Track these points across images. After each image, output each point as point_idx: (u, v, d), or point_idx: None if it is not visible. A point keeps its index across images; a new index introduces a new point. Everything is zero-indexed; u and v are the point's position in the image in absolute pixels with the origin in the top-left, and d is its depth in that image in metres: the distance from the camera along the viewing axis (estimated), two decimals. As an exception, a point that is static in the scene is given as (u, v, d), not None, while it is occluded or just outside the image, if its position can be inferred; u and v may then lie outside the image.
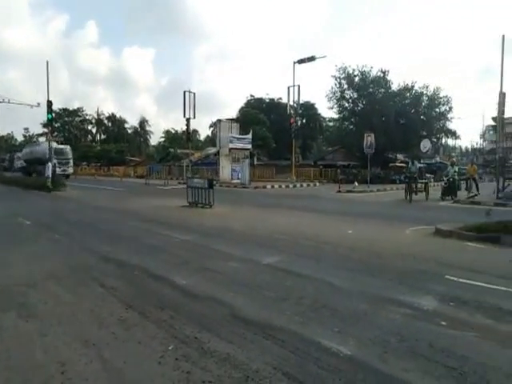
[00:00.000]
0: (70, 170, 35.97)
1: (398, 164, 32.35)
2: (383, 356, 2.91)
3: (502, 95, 17.88)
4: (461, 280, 4.74)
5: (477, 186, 17.11)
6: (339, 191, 20.69)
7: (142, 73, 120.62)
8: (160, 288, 4.52)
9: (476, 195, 16.20)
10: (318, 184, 29.26)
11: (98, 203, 14.79)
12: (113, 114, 70.67)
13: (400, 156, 39.69)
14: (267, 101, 49.47)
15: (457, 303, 3.96)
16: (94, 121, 70.83)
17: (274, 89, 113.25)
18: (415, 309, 3.83)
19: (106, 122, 70.68)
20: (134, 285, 4.65)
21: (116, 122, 70.31)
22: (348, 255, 6.18)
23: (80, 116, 69.89)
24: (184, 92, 27.83)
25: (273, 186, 25.44)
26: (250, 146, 30.85)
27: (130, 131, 71.51)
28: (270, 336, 3.23)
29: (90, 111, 70.95)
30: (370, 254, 6.18)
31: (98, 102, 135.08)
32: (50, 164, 22.42)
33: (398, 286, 4.56)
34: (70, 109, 68.29)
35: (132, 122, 72.90)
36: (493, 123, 19.96)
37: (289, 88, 28.82)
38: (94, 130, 71.88)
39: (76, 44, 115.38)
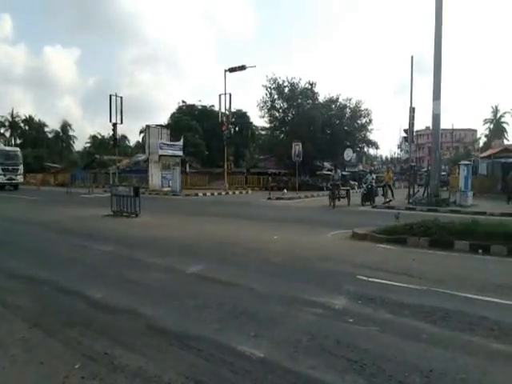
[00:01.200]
0: (19, 179, 29.13)
1: (325, 172, 34.13)
2: (294, 355, 3.04)
3: (412, 109, 19.93)
4: (370, 279, 5.14)
5: (392, 192, 18.68)
6: (269, 198, 21.22)
7: (65, 73, 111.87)
8: (71, 303, 4.24)
9: (391, 200, 17.70)
10: (250, 191, 29.69)
11: (8, 214, 13.44)
12: (30, 117, 64.80)
13: (327, 164, 41.92)
14: (199, 108, 49.15)
15: (364, 301, 4.28)
16: (7, 123, 64.28)
17: (206, 96, 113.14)
18: (327, 308, 4.06)
19: (22, 125, 64.53)
20: (42, 301, 4.31)
21: (34, 125, 64.53)
22: (271, 260, 6.35)
23: (-10, 118, 62.93)
24: (110, 96, 26.51)
25: (205, 194, 25.28)
26: (181, 153, 30.36)
27: (50, 136, 66.07)
28: (186, 345, 3.20)
29: (2, 112, 64.35)
30: (292, 258, 6.44)
31: (14, 104, 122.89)
32: None
33: (314, 288, 4.80)
34: (-22, 109, 61.27)
35: (53, 125, 67.29)
36: (405, 135, 21.99)
37: (220, 96, 29.07)
38: (7, 134, 65.15)
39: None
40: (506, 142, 55.37)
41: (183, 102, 50.39)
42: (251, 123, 50.85)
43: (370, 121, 38.58)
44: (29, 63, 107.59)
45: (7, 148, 31.49)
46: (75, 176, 34.03)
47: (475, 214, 12.15)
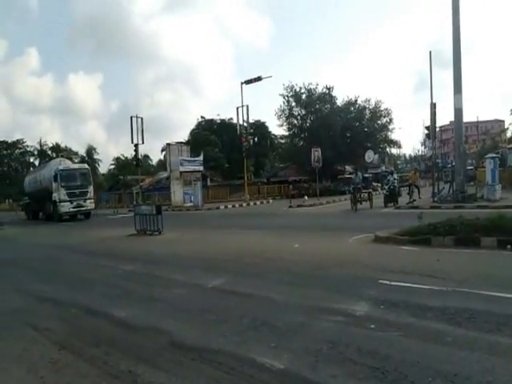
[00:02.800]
0: (90, 205, 22.22)
1: (346, 176, 33.75)
2: (314, 365, 3.02)
3: (433, 105, 19.50)
4: (392, 283, 5.03)
5: (418, 191, 18.25)
6: (290, 206, 21.16)
7: (89, 99, 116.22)
8: (97, 323, 4.37)
9: (415, 200, 17.29)
10: (271, 201, 29.71)
11: (38, 240, 14.01)
12: (57, 144, 67.61)
13: (348, 168, 41.46)
14: (218, 122, 49.86)
15: (386, 305, 4.20)
16: (36, 152, 67.25)
17: (224, 109, 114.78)
18: (348, 315, 4.01)
19: (49, 152, 67.34)
20: (70, 323, 4.46)
21: (61, 151, 67.19)
22: (292, 269, 6.33)
23: (20, 148, 66.11)
24: (131, 117, 27.38)
25: (226, 206, 25.47)
26: (201, 168, 30.81)
27: (76, 161, 68.60)
28: (207, 359, 3.23)
29: (32, 142, 67.43)
30: (313, 266, 6.38)
31: (42, 133, 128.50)
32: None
33: (334, 295, 4.75)
34: (9, 141, 64.51)
35: (79, 150, 69.76)
36: (427, 131, 21.55)
37: (238, 108, 29.44)
38: (36, 163, 68.10)
39: (15, 72, 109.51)
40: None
41: (202, 117, 51.32)
42: (270, 132, 51.11)
43: (391, 120, 38.03)
44: (55, 92, 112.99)
45: (73, 166, 23.53)
46: (100, 198, 35.03)
47: (504, 207, 11.66)
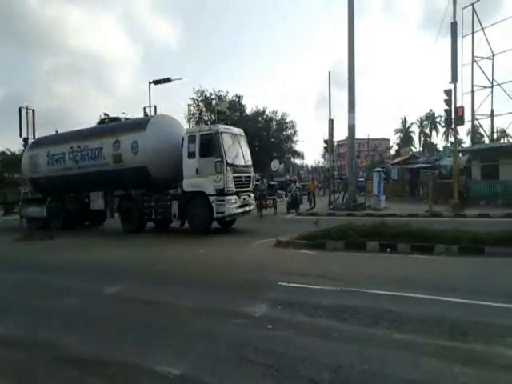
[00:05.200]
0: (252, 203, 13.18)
1: (255, 183, 34.70)
2: (213, 368, 3.05)
3: (331, 121, 21.34)
4: (290, 284, 5.36)
5: (314, 200, 19.68)
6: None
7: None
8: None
9: (314, 207, 18.66)
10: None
11: None
12: None
13: (257, 175, 42.79)
14: (123, 121, 47.22)
15: (283, 306, 4.46)
16: None
17: (131, 108, 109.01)
18: (248, 317, 4.15)
19: None
20: None
21: None
22: (197, 274, 6.32)
23: None
24: (20, 108, 24.29)
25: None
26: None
27: None
28: (99, 373, 3.05)
29: None
30: (217, 271, 6.47)
31: None
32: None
33: (236, 298, 4.88)
34: None
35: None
36: (325, 145, 23.55)
37: (145, 108, 28.13)
38: None
39: None
40: (413, 149, 61.81)
41: (105, 114, 47.77)
42: (179, 136, 50.14)
43: (295, 132, 40.42)
44: None
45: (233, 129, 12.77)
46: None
47: (387, 215, 13.27)
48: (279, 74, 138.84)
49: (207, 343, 3.53)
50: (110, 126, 15.28)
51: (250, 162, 12.70)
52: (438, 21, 58.73)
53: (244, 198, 11.92)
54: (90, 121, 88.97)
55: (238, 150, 11.98)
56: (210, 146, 11.02)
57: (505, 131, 37.80)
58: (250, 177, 12.55)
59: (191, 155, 11.29)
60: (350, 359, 3.09)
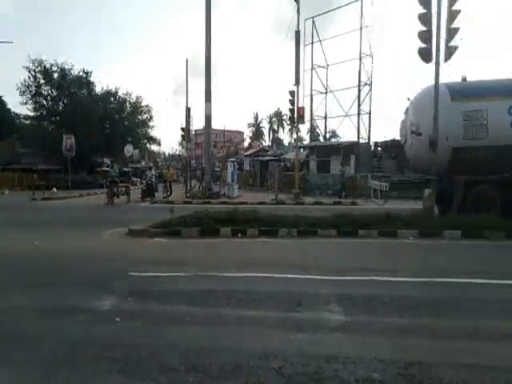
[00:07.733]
0: None
1: (104, 168, 32.04)
2: (48, 373, 2.73)
3: (188, 110, 21.31)
4: (142, 274, 5.20)
5: (171, 188, 19.44)
6: (34, 199, 18.25)
7: None
8: None
9: (169, 195, 18.44)
10: (7, 192, 24.56)
11: None
12: None
13: (107, 160, 39.57)
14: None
15: (134, 297, 4.28)
16: None
17: None
18: (95, 312, 3.85)
19: None
20: None
21: None
22: (31, 269, 5.51)
23: None
24: None
25: None
26: None
27: None
28: None
29: None
30: (59, 264, 5.77)
31: None
32: None
33: (83, 293, 4.46)
34: None
35: None
36: (182, 133, 23.40)
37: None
38: None
39: None
40: (263, 142, 67.04)
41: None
42: (9, 110, 42.28)
43: (151, 117, 38.87)
44: None
45: None
46: None
47: (239, 203, 14.11)
48: (136, 56, 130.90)
49: (45, 347, 3.10)
50: None
51: None
52: (286, 27, 64.87)
53: None
54: None
55: None
56: None
57: (335, 132, 44.41)
58: None
59: None
60: (200, 341, 3.17)
